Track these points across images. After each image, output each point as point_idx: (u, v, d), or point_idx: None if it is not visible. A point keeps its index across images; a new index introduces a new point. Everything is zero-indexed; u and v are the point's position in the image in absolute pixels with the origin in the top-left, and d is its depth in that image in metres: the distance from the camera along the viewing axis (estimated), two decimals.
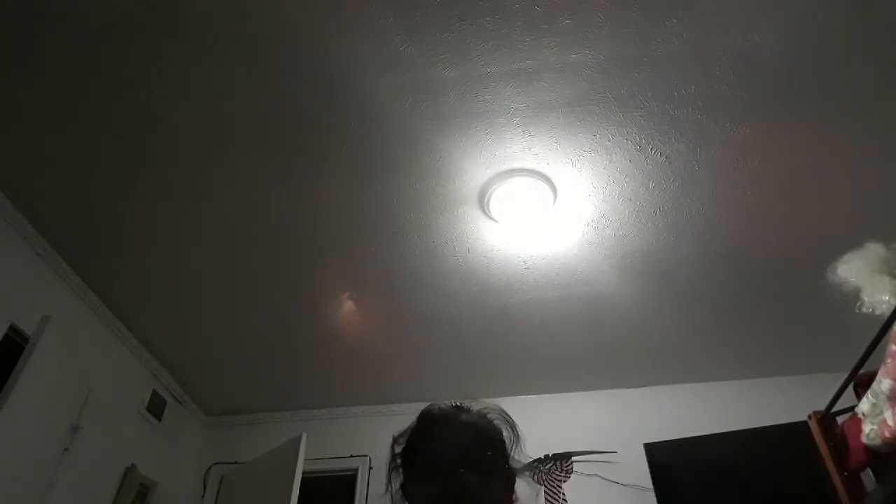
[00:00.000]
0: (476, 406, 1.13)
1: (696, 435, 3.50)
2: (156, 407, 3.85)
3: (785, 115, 2.42)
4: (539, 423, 3.85)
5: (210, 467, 4.20)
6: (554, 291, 3.31)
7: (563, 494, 3.63)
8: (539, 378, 4.03)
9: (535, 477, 3.72)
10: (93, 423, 3.13)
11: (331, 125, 2.44)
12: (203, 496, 4.07)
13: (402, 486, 1.08)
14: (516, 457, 1.10)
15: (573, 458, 3.75)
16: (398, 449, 1.12)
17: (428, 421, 1.12)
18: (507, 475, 1.07)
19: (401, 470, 1.10)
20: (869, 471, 2.34)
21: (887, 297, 2.06)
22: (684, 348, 3.74)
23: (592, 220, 2.89)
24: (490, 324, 3.54)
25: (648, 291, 3.30)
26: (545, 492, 3.67)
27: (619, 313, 3.45)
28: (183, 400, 4.18)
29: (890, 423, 1.99)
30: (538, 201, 2.74)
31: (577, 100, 2.35)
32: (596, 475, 3.72)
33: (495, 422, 1.11)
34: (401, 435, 1.14)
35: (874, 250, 2.16)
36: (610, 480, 3.68)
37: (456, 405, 1.13)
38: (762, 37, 2.15)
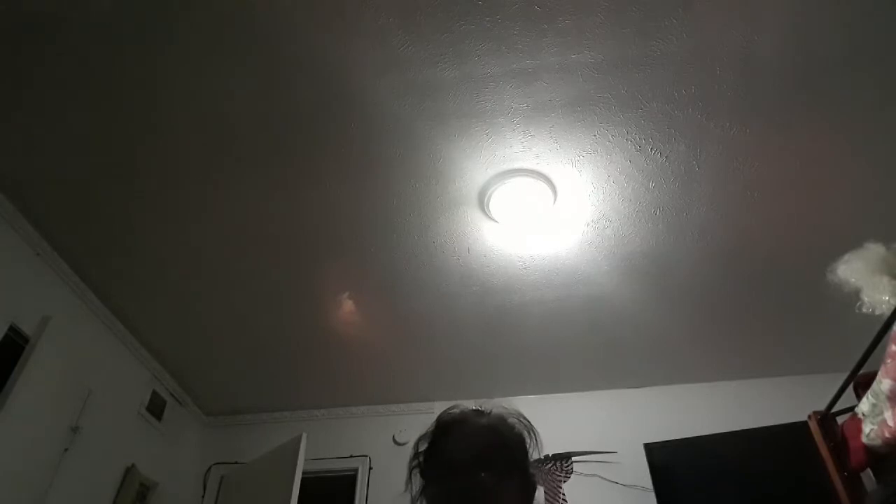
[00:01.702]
0: (495, 409, 1.14)
1: (696, 435, 3.50)
2: (156, 407, 3.85)
3: (785, 115, 2.42)
4: (539, 423, 3.85)
5: (210, 467, 4.20)
6: (554, 291, 3.31)
7: (563, 494, 3.63)
8: (539, 378, 4.03)
9: (535, 477, 3.71)
10: (93, 423, 3.13)
11: (331, 126, 2.44)
12: (203, 496, 4.07)
13: (423, 486, 1.09)
14: (533, 461, 1.11)
15: (573, 459, 3.74)
16: (421, 448, 1.13)
17: (447, 423, 1.13)
18: (525, 477, 1.08)
19: (421, 469, 1.11)
20: (869, 471, 2.34)
21: (887, 297, 2.05)
22: (684, 348, 3.74)
23: (592, 221, 2.89)
24: (490, 324, 3.54)
25: (648, 291, 3.30)
26: (545, 492, 3.66)
27: (619, 313, 3.45)
28: (183, 400, 4.18)
29: (890, 423, 1.99)
30: (538, 201, 2.74)
31: (577, 100, 2.35)
32: (596, 475, 3.72)
33: (513, 425, 1.12)
34: (423, 436, 1.15)
35: (874, 250, 2.16)
36: (610, 480, 3.68)
37: (475, 409, 1.14)
38: (762, 37, 2.15)
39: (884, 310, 2.07)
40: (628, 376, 4.01)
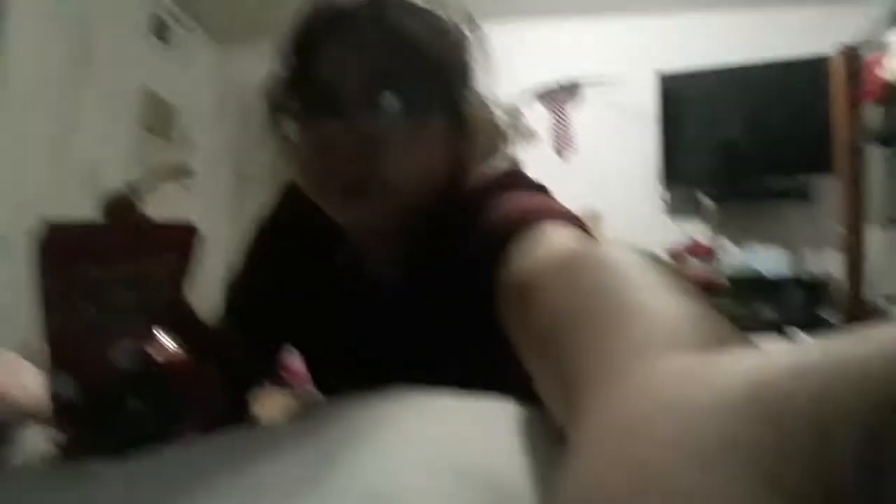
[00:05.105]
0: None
1: (711, 67, 3.41)
2: (161, 33, 3.72)
3: None
4: (536, 51, 3.71)
5: (226, 93, 4.24)
6: None
7: (568, 120, 3.68)
8: None
9: (544, 103, 3.71)
10: (102, 48, 3.08)
11: None
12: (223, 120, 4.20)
13: (284, 128, 0.68)
14: (476, 87, 0.70)
15: (581, 84, 3.69)
16: (283, 62, 0.68)
17: (327, 15, 0.65)
18: (457, 117, 0.67)
19: (278, 102, 0.68)
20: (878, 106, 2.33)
21: None
22: None
23: None
24: None
25: None
26: (553, 119, 3.72)
27: None
28: (188, 25, 4.00)
29: None
30: None
31: None
32: (601, 101, 3.69)
33: (449, 25, 0.67)
34: (288, 40, 0.67)
35: None
36: (613, 108, 3.68)
37: None
38: None
39: None
40: None
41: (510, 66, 3.29)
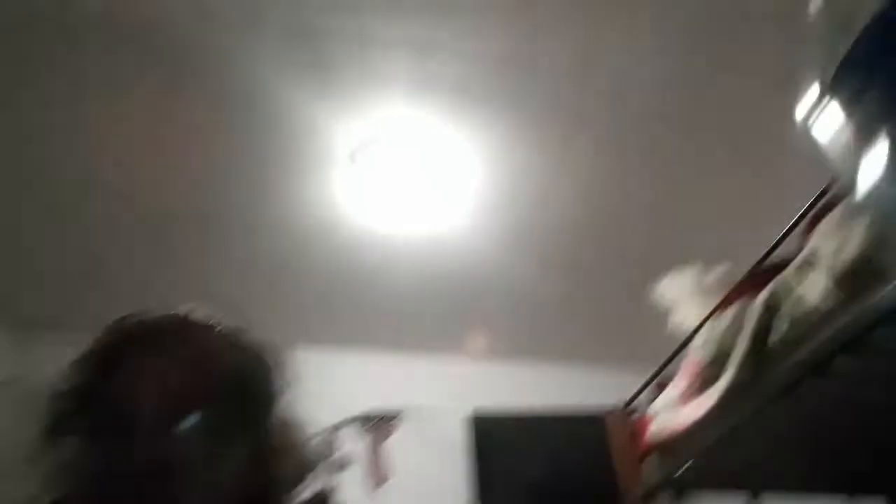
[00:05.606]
0: (217, 318, 0.68)
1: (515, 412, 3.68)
2: None
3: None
4: (356, 382, 3.84)
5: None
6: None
7: (382, 451, 3.66)
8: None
9: (358, 434, 3.68)
10: None
11: None
12: None
13: (66, 454, 0.62)
14: (283, 415, 0.69)
15: (395, 417, 3.78)
16: (71, 384, 0.64)
17: (126, 336, 0.65)
18: (258, 441, 0.65)
19: (64, 423, 0.63)
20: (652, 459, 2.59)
21: (695, 312, 2.26)
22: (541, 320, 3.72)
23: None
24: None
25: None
26: (367, 450, 3.66)
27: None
28: None
29: (673, 423, 2.20)
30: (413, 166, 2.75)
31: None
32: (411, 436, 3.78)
33: (255, 349, 0.69)
34: (79, 361, 0.64)
35: (687, 276, 2.36)
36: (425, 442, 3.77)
37: (181, 315, 0.67)
38: None
39: (691, 323, 2.28)
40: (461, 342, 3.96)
41: (326, 395, 3.40)
